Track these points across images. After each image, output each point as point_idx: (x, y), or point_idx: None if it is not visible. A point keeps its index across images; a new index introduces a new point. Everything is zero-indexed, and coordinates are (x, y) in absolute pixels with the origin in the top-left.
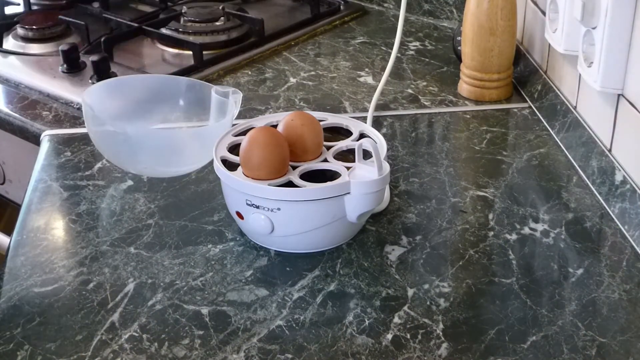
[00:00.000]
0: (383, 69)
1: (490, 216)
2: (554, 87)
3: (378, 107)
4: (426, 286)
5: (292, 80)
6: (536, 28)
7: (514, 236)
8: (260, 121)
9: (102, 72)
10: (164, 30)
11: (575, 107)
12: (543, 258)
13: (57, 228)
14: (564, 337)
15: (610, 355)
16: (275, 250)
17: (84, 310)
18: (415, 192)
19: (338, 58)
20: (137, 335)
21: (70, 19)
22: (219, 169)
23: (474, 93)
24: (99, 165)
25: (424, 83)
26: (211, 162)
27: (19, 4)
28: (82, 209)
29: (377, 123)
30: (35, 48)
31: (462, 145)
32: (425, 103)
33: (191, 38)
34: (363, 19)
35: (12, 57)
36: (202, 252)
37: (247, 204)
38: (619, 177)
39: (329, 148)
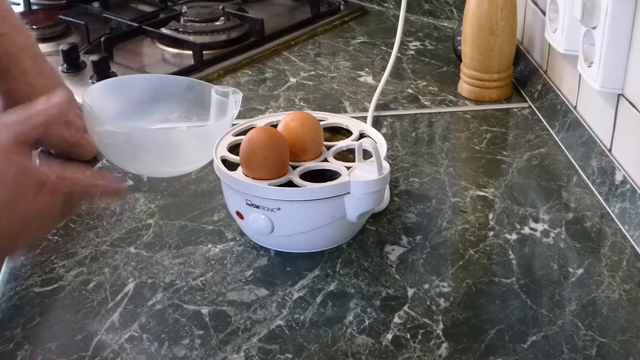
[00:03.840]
0: (383, 68)
1: (490, 216)
2: (554, 87)
3: (378, 107)
4: (426, 286)
5: (292, 80)
6: (536, 28)
7: (514, 236)
8: (260, 121)
9: (102, 72)
10: (164, 30)
11: (575, 107)
12: (543, 258)
13: (57, 228)
14: (564, 337)
15: (610, 355)
16: (275, 250)
17: (84, 310)
18: (415, 192)
19: (338, 58)
20: (137, 335)
21: (70, 19)
22: (219, 168)
23: (474, 93)
24: (99, 165)
25: (424, 83)
26: (211, 162)
27: (19, 4)
28: (82, 209)
29: (377, 123)
30: None
31: (462, 145)
32: (425, 103)
33: (191, 38)
34: (363, 19)
35: None
36: (202, 252)
37: (247, 204)
38: (619, 177)
39: (329, 148)
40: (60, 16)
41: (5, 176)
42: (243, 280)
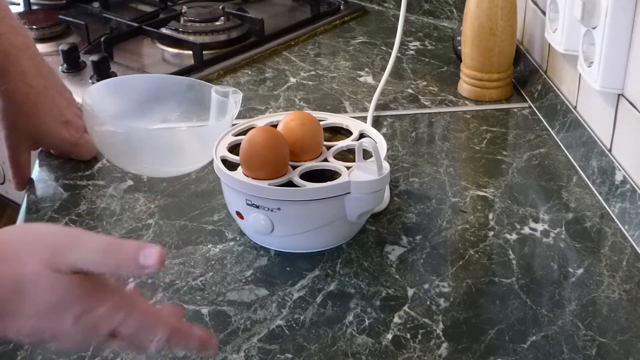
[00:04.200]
0: (383, 68)
1: (490, 216)
2: (554, 87)
3: (378, 107)
4: (426, 286)
5: (292, 80)
6: (536, 28)
7: (514, 236)
8: (260, 121)
9: (102, 72)
10: (164, 30)
11: (575, 107)
12: (543, 258)
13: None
14: (564, 337)
15: (610, 355)
16: (275, 250)
17: None
18: (415, 192)
19: (338, 58)
20: None
21: (70, 19)
22: (219, 168)
23: (474, 93)
24: (99, 165)
25: (424, 83)
26: (211, 162)
27: (19, 4)
28: (82, 209)
29: (377, 123)
30: None
31: (462, 145)
32: (425, 103)
33: (191, 38)
34: (363, 19)
35: None
36: (202, 252)
37: (247, 204)
38: (619, 177)
39: (329, 148)
40: (60, 16)
41: (43, 295)
42: (243, 280)
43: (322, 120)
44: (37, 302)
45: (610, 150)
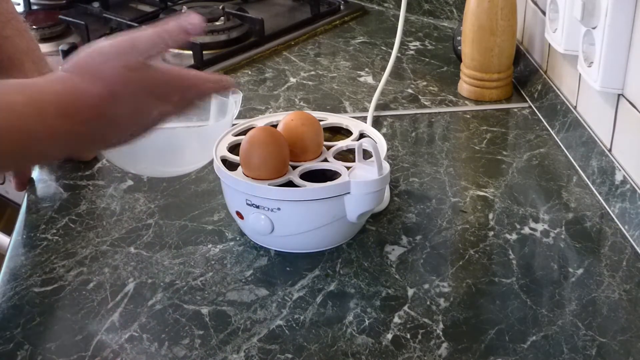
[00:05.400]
0: (383, 68)
1: (490, 216)
2: (554, 87)
3: (378, 107)
4: (426, 286)
5: (292, 80)
6: (536, 28)
7: (514, 236)
8: (260, 121)
9: None
10: None
11: (575, 107)
12: (543, 258)
13: (57, 228)
14: (564, 337)
15: (610, 355)
16: (275, 250)
17: (84, 310)
18: (415, 192)
19: (338, 58)
20: (137, 335)
21: (70, 19)
22: (219, 168)
23: (474, 93)
24: (99, 165)
25: (424, 83)
26: (211, 162)
27: (19, 4)
28: (82, 209)
29: (377, 123)
30: None
31: (462, 145)
32: (425, 103)
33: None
34: (363, 19)
35: None
36: (202, 252)
37: (247, 204)
38: (619, 177)
39: (329, 148)
40: (60, 16)
41: (126, 97)
42: (243, 280)
43: (322, 120)
44: (129, 101)
45: (610, 150)
